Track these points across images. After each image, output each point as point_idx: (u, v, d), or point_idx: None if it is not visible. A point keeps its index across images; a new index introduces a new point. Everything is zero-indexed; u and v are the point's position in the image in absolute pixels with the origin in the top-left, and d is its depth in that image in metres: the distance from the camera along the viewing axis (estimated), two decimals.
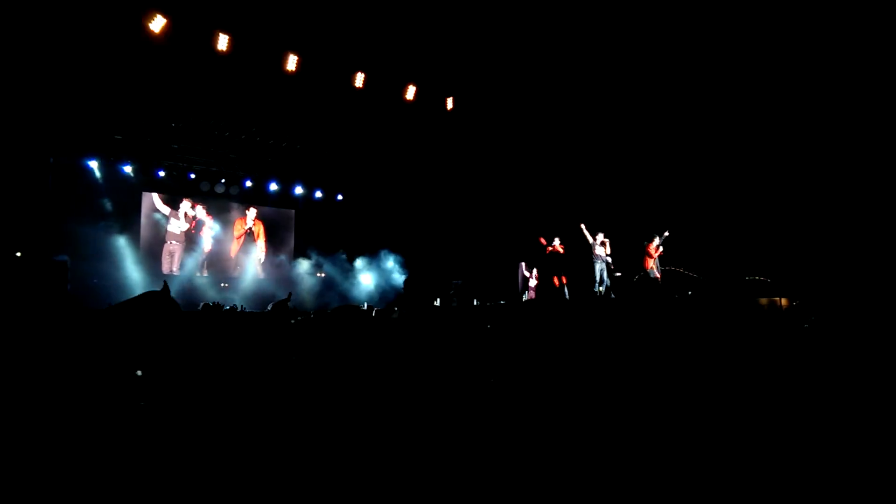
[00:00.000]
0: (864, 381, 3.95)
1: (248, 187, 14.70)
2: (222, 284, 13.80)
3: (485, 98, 13.35)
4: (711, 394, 3.79)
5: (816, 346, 5.38)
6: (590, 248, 12.10)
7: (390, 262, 15.83)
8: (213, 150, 13.71)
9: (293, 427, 3.08)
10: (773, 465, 2.47)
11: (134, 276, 12.24)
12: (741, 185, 11.11)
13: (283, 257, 15.27)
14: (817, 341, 5.68)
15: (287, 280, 14.72)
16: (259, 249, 15.07)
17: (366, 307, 12.95)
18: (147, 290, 12.75)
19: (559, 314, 9.40)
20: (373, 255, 15.78)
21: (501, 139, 13.83)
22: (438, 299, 13.76)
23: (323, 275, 15.50)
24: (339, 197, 16.12)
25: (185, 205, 13.87)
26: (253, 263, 14.78)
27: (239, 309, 10.60)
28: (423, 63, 12.58)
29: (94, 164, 12.40)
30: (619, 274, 11.71)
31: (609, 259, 11.99)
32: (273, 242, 15.41)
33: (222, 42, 10.91)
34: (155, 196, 13.49)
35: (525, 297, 12.79)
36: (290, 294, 9.07)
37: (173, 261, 13.64)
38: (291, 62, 11.66)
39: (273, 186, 15.11)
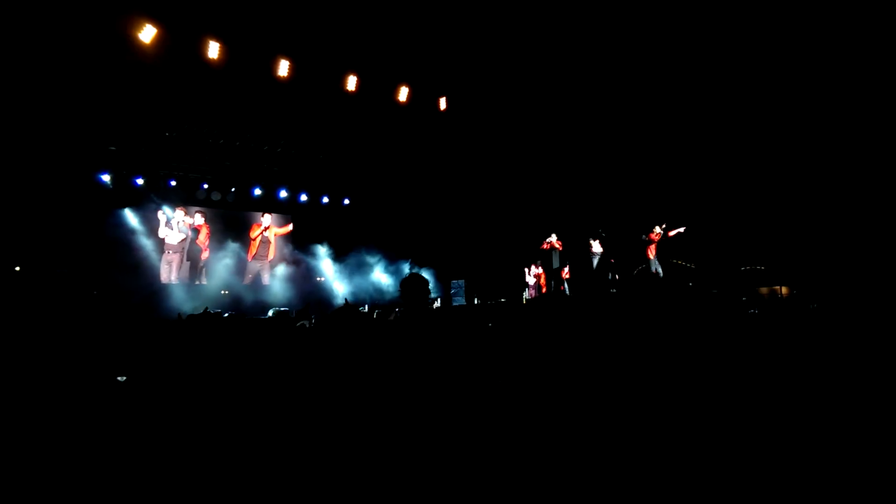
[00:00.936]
0: (872, 368, 3.97)
1: (247, 194, 14.74)
2: (223, 291, 13.80)
3: (479, 97, 13.36)
4: (721, 388, 3.80)
5: (826, 328, 5.40)
6: (587, 245, 12.17)
7: (384, 263, 15.89)
8: (207, 157, 13.70)
9: (304, 426, 3.10)
10: (783, 464, 2.49)
11: (133, 285, 12.21)
12: (734, 176, 11.17)
13: (281, 261, 15.28)
14: (826, 322, 5.71)
15: (294, 284, 14.77)
16: (270, 253, 15.25)
17: (366, 308, 12.99)
18: (147, 299, 12.73)
19: (562, 310, 9.42)
20: (373, 255, 15.83)
21: (497, 136, 13.84)
22: (438, 300, 13.78)
23: (322, 279, 15.54)
24: (346, 201, 16.23)
25: (179, 214, 13.87)
26: (265, 270, 14.97)
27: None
28: (416, 64, 12.59)
29: (106, 178, 12.52)
30: (615, 270, 11.76)
31: (604, 252, 12.06)
32: (277, 246, 15.49)
33: (213, 49, 10.91)
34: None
35: (526, 295, 12.81)
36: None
37: (171, 270, 13.64)
38: (283, 67, 11.66)
39: (281, 193, 15.25)
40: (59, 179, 11.51)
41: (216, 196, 14.45)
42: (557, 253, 12.72)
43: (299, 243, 15.66)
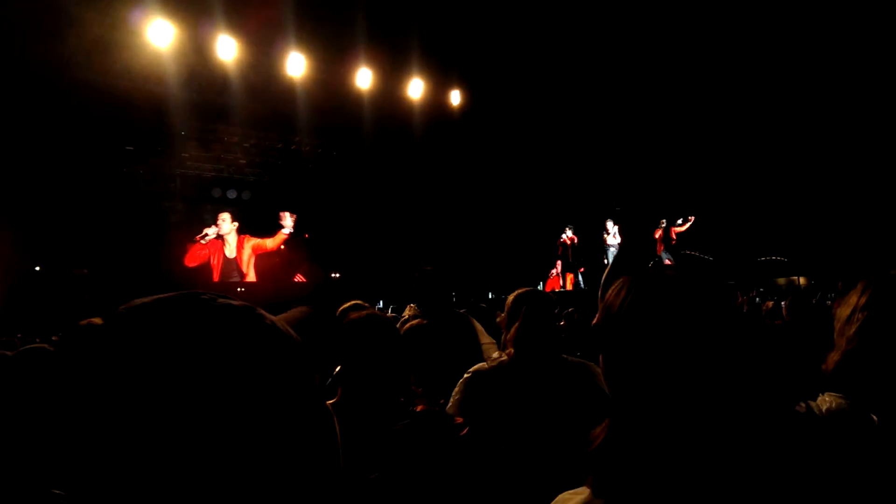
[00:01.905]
0: None
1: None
2: (239, 290, 13.84)
3: (495, 98, 13.36)
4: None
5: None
6: (601, 238, 12.23)
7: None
8: (223, 156, 13.77)
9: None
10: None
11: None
12: (750, 168, 11.22)
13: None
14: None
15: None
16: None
17: (379, 307, 13.03)
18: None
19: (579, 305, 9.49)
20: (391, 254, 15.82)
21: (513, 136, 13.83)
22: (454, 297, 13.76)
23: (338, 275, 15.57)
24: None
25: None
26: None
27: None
28: (429, 62, 12.63)
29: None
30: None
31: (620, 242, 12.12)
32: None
33: (229, 48, 10.96)
34: None
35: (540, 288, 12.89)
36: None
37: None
38: (299, 64, 11.71)
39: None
40: (87, 177, 11.48)
41: (231, 194, 14.46)
42: (575, 247, 12.76)
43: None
